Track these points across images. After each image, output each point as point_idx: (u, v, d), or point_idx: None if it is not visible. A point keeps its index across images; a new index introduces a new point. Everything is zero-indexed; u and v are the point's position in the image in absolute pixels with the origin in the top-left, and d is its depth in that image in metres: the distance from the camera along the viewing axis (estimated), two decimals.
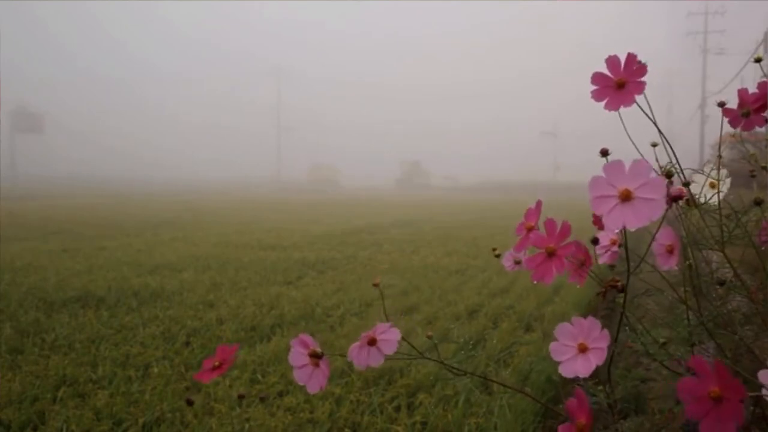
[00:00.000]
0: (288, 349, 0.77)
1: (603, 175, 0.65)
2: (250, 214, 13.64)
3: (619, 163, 0.65)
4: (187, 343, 2.97)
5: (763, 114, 0.89)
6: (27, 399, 2.22)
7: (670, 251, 0.79)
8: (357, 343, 0.75)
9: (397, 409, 2.19)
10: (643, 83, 0.76)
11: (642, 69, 0.76)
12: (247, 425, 2.03)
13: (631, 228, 0.64)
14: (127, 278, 4.69)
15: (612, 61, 0.77)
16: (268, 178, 59.04)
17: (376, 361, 0.74)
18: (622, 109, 0.83)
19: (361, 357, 0.75)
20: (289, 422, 2.05)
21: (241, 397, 2.26)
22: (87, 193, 25.77)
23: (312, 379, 0.75)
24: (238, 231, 9.09)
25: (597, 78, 0.78)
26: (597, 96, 0.77)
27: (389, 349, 0.74)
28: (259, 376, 2.49)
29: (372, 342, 0.74)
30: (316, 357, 0.74)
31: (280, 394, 2.31)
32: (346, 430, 2.04)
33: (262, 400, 2.21)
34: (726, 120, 0.92)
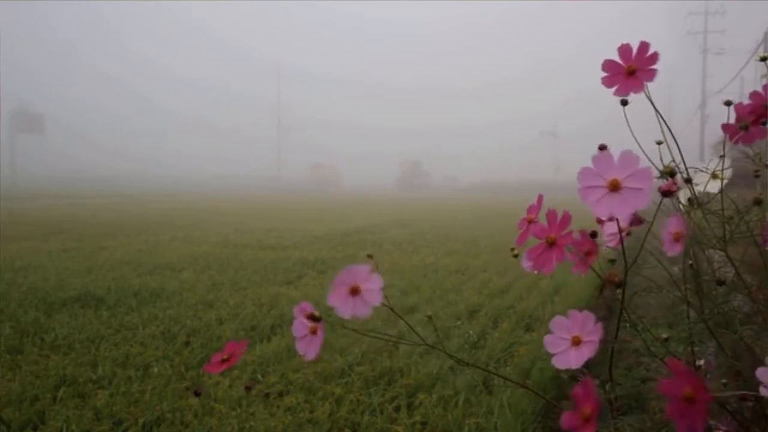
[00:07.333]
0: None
1: (591, 166, 0.66)
2: (250, 214, 13.63)
3: (607, 155, 0.65)
4: (187, 343, 2.97)
5: (762, 124, 0.88)
6: (27, 399, 2.21)
7: (676, 239, 0.79)
8: (337, 289, 0.74)
9: (397, 409, 2.19)
10: (654, 71, 0.75)
11: (653, 57, 0.75)
12: (247, 425, 2.03)
13: (620, 217, 0.65)
14: (127, 278, 4.68)
15: (624, 50, 0.77)
16: (268, 178, 59.09)
17: (363, 311, 0.74)
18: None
19: (346, 306, 0.74)
20: (289, 422, 2.05)
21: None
22: (87, 193, 25.77)
23: (309, 348, 0.76)
24: (238, 231, 9.08)
25: (608, 65, 0.77)
26: (607, 82, 0.77)
27: (375, 300, 0.74)
28: (260, 376, 2.49)
29: (356, 291, 0.74)
30: (314, 320, 0.75)
31: (280, 394, 2.31)
32: (346, 430, 2.04)
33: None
34: (729, 119, 0.91)
